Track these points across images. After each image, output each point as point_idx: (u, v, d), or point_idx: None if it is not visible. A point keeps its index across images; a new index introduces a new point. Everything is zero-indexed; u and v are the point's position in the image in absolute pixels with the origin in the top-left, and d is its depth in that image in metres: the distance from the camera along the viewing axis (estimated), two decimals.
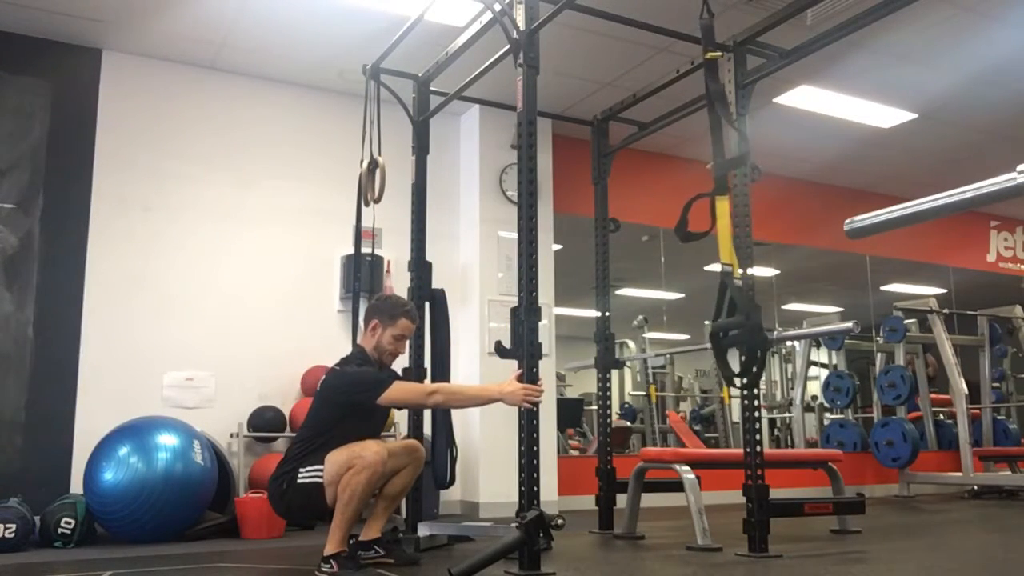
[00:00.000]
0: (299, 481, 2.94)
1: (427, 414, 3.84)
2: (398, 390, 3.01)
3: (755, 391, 3.46)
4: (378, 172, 3.95)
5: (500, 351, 3.07)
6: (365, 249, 4.51)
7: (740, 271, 3.39)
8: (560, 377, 7.17)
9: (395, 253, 5.51)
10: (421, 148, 4.21)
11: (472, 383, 5.56)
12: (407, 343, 3.32)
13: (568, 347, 6.70)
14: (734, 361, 3.45)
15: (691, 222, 3.50)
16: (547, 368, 5.67)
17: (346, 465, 2.87)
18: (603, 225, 4.68)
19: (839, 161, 7.25)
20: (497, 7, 3.33)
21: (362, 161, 3.98)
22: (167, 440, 4.11)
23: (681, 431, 7.25)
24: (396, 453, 3.12)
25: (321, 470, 2.91)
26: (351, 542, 3.07)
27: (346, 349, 3.39)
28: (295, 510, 3.07)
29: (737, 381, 3.46)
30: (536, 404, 2.92)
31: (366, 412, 3.05)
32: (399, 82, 4.22)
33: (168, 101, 5.27)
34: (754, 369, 3.39)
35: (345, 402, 3.00)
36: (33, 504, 4.07)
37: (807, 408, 8.24)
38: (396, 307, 3.22)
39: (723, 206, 3.41)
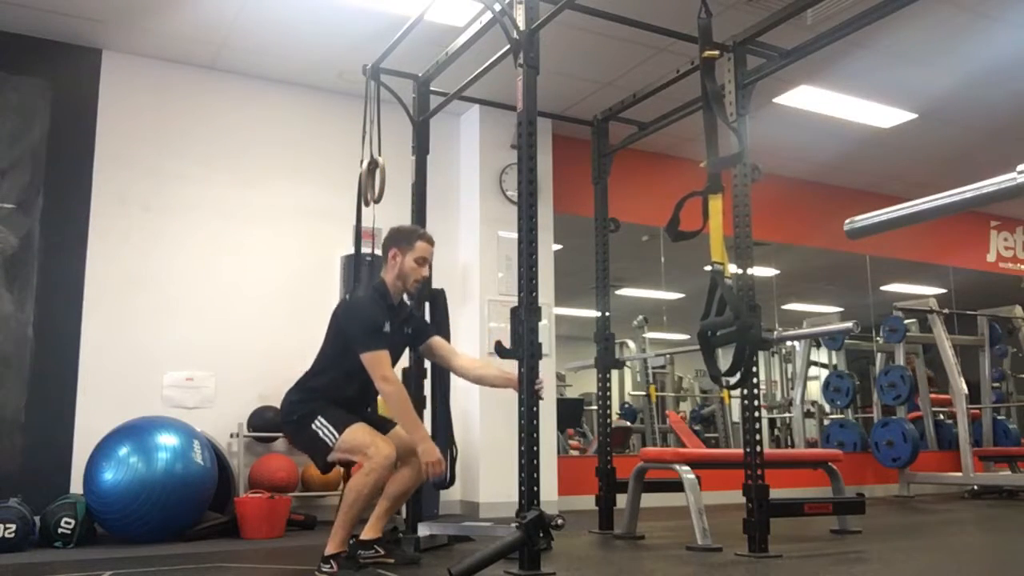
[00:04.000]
0: (313, 427, 2.99)
1: (427, 414, 3.84)
2: (375, 360, 2.97)
3: (754, 391, 3.46)
4: (378, 172, 3.95)
5: (500, 351, 3.07)
6: (365, 249, 4.51)
7: (731, 270, 3.42)
8: (560, 377, 7.17)
9: None
10: (421, 148, 4.21)
11: (472, 384, 5.55)
12: (429, 267, 3.32)
13: (568, 347, 6.71)
14: (722, 361, 3.48)
15: (683, 221, 3.51)
16: (547, 368, 5.67)
17: (359, 451, 2.91)
18: (603, 225, 4.68)
19: (839, 161, 7.25)
20: (497, 7, 3.33)
21: (362, 161, 3.98)
22: (167, 440, 4.11)
23: (681, 431, 7.25)
24: (403, 455, 3.11)
25: (336, 436, 2.94)
26: (351, 542, 3.06)
27: None
28: (298, 444, 3.17)
29: (724, 380, 3.48)
30: (433, 477, 2.94)
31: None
32: (399, 82, 4.22)
33: (168, 101, 5.26)
34: (743, 369, 3.40)
35: (345, 334, 3.07)
36: (33, 504, 4.07)
37: (807, 414, 8.24)
38: (412, 232, 3.30)
39: (716, 204, 3.41)
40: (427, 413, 3.84)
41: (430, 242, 3.30)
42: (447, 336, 3.91)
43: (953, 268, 8.71)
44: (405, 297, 3.32)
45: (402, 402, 3.00)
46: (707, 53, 3.43)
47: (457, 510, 5.58)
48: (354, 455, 2.96)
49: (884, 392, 7.38)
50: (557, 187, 6.14)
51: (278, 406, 5.00)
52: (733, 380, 3.47)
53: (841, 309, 9.08)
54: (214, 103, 5.40)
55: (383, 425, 3.20)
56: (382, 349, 3.00)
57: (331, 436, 2.96)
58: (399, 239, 3.25)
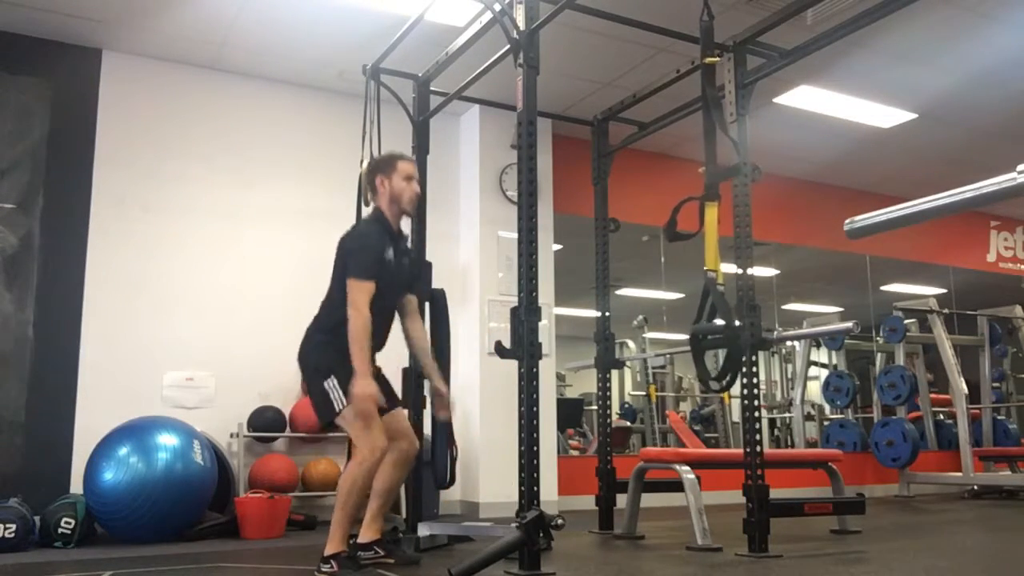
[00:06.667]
0: (326, 386, 3.00)
1: (427, 414, 3.84)
2: (359, 288, 3.01)
3: (753, 391, 3.47)
4: None
5: (500, 351, 3.07)
6: None
7: (724, 275, 3.47)
8: (560, 377, 7.18)
9: None
10: (421, 148, 4.21)
11: (472, 384, 5.59)
12: (416, 183, 3.34)
13: (568, 347, 6.71)
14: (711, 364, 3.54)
15: (681, 222, 3.54)
16: (547, 368, 5.68)
17: (358, 430, 2.94)
18: (603, 225, 4.68)
19: (839, 161, 7.24)
20: (497, 7, 3.34)
21: (362, 161, 3.97)
22: (167, 440, 4.12)
23: (681, 431, 7.25)
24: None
25: (344, 403, 2.96)
26: (351, 542, 3.07)
27: None
28: (309, 392, 3.15)
29: (713, 384, 3.52)
30: (357, 413, 2.92)
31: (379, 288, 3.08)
32: (399, 82, 4.22)
33: (168, 101, 5.27)
34: (731, 374, 3.45)
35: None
36: (33, 504, 4.07)
37: (807, 417, 8.24)
38: (389, 157, 3.33)
39: (712, 213, 3.44)
40: (427, 413, 3.84)
41: (409, 159, 3.36)
42: (447, 336, 3.91)
43: (953, 268, 8.71)
44: (403, 224, 3.36)
45: (361, 332, 2.98)
46: (708, 59, 3.43)
47: (457, 510, 5.58)
48: (352, 430, 3.01)
49: (884, 392, 7.38)
50: (557, 187, 6.14)
51: (278, 406, 5.08)
52: (722, 384, 3.51)
53: (841, 309, 9.08)
54: (214, 103, 5.40)
55: (389, 399, 3.23)
56: (370, 281, 3.05)
57: (340, 401, 2.98)
58: (380, 167, 3.31)
